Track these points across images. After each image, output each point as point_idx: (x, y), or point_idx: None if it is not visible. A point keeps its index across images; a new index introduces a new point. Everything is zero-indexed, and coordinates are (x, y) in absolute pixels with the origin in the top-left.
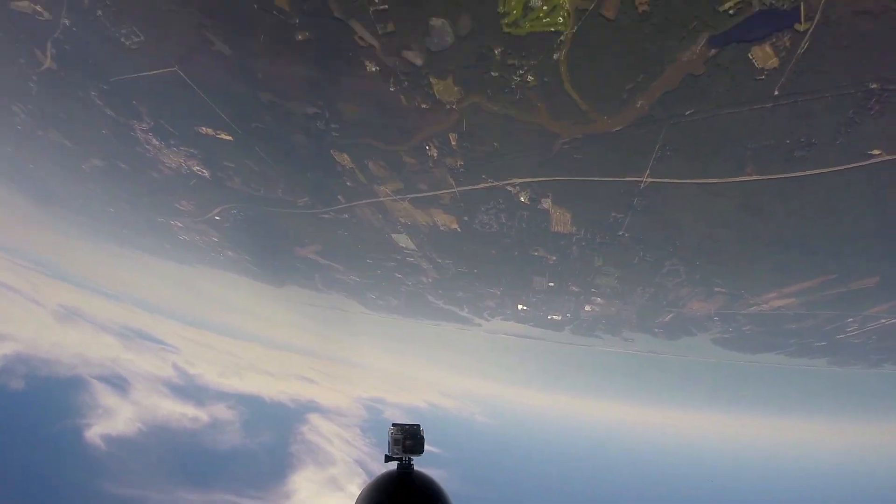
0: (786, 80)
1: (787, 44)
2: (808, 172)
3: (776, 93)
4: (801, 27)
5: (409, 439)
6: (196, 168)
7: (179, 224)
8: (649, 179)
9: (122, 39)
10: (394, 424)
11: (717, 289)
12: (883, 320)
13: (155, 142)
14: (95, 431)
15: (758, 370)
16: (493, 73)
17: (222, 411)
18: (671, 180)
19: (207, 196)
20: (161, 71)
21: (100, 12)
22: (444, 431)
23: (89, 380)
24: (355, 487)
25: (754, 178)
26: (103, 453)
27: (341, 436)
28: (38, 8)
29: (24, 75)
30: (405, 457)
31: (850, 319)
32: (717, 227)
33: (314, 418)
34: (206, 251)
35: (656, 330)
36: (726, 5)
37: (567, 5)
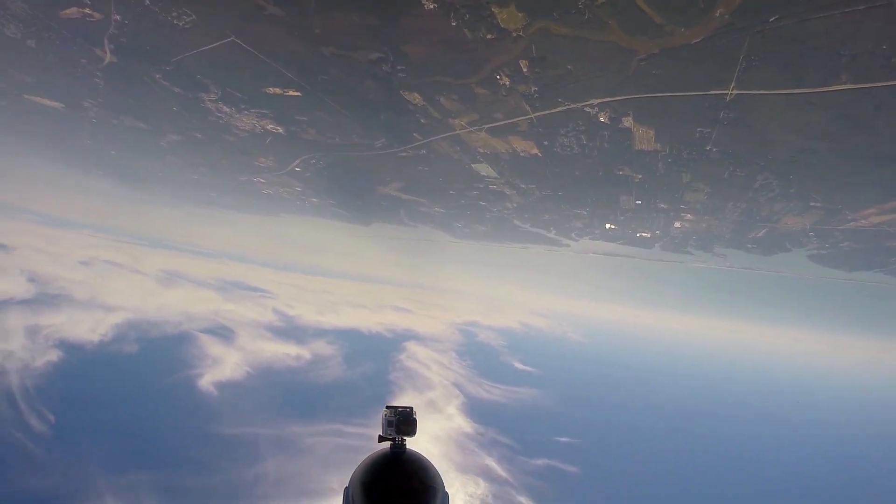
0: None
1: None
2: None
3: None
4: None
5: (402, 422)
6: (270, 126)
7: (262, 180)
8: (735, 91)
9: (175, 21)
10: (387, 407)
11: (812, 203)
12: None
13: (225, 109)
14: (207, 380)
15: (857, 288)
16: None
17: (323, 347)
18: (759, 92)
19: (285, 150)
20: (218, 43)
21: (147, 1)
22: (537, 350)
23: (196, 334)
24: (453, 409)
25: (849, 86)
26: (216, 399)
27: (438, 361)
28: (87, 11)
29: (88, 73)
30: (398, 437)
31: None
32: (812, 139)
33: (411, 346)
34: (291, 201)
35: (749, 245)
36: None
37: None
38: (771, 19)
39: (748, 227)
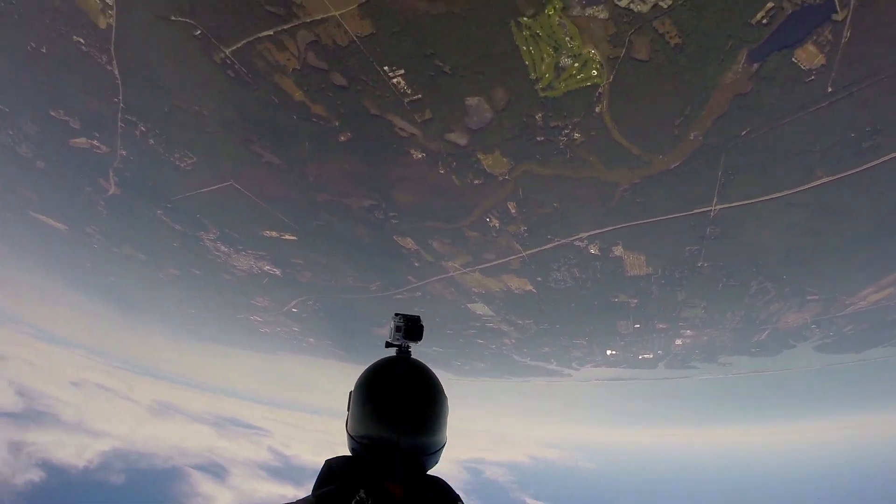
0: (836, 73)
1: (829, 37)
2: (880, 160)
3: (829, 89)
4: (838, 17)
5: (409, 327)
6: (266, 268)
7: (258, 318)
8: (718, 207)
9: (177, 162)
10: (396, 314)
11: (809, 297)
12: None
13: (223, 248)
14: None
15: (872, 367)
16: (538, 139)
17: None
18: (741, 203)
19: (282, 291)
20: (217, 186)
21: (151, 141)
22: (548, 483)
23: (187, 469)
24: None
25: (826, 179)
26: None
27: None
28: (95, 143)
29: (92, 202)
30: (404, 343)
31: None
32: (798, 236)
33: None
34: (287, 340)
35: (753, 350)
36: (758, 16)
37: (598, 57)
38: (742, 133)
39: (749, 332)
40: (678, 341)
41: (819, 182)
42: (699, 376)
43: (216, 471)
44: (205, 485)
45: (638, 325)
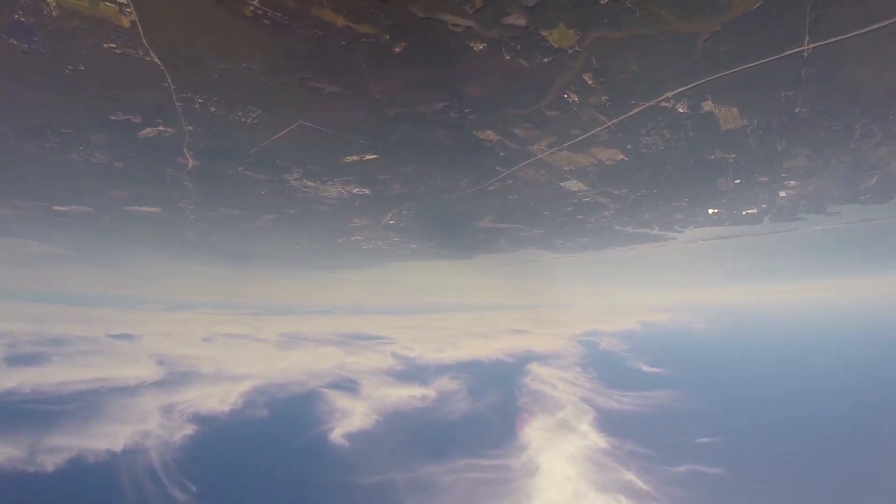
0: None
1: None
2: None
3: None
4: None
5: None
6: (356, 190)
7: (360, 238)
8: (811, 45)
9: (243, 119)
10: None
11: None
12: None
13: (310, 183)
14: (338, 433)
15: None
16: (602, 1)
17: (447, 384)
18: (837, 38)
19: (376, 208)
20: (288, 129)
21: (213, 109)
22: (662, 348)
23: (322, 390)
24: (585, 426)
25: None
26: (349, 450)
27: (563, 378)
28: (161, 128)
29: (177, 180)
30: None
31: None
32: None
33: (534, 367)
34: (392, 251)
35: (863, 197)
36: None
37: None
38: None
39: (857, 179)
40: (782, 193)
41: None
42: (807, 228)
43: (348, 385)
44: (340, 400)
45: (738, 181)
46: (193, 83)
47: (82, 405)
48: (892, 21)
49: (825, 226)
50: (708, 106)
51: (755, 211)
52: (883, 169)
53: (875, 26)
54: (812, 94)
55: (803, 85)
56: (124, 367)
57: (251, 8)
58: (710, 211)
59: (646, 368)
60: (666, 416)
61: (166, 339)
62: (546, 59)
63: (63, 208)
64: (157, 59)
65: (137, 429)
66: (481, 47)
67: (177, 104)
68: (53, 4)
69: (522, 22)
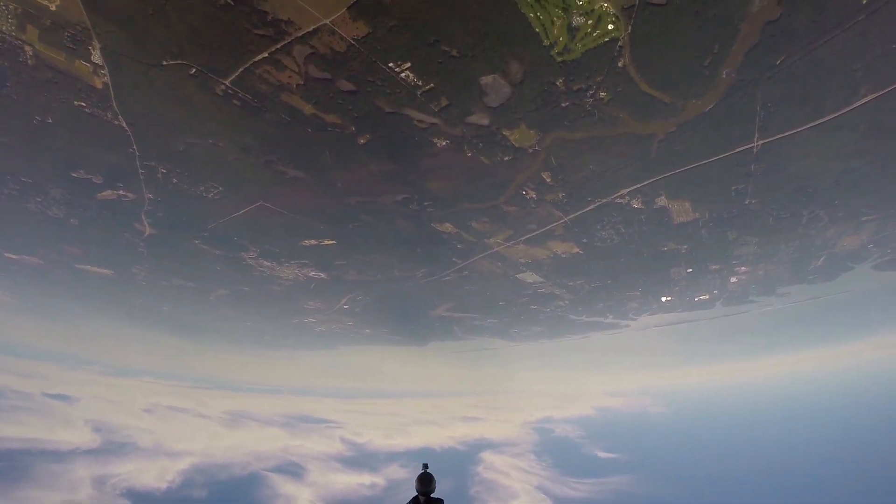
0: None
1: None
2: None
3: (864, 1)
4: None
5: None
6: (312, 273)
7: (313, 320)
8: (761, 142)
9: (204, 194)
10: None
11: (864, 218)
12: None
13: (267, 263)
14: None
15: None
16: (563, 105)
17: (396, 471)
18: (784, 134)
19: (331, 292)
20: (249, 208)
21: (175, 180)
22: (618, 433)
23: (265, 474)
24: None
25: (871, 97)
26: None
27: (517, 466)
28: (122, 192)
29: (132, 245)
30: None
31: None
32: (848, 159)
33: (487, 455)
34: (345, 335)
35: (811, 277)
36: None
37: (611, 9)
38: (777, 62)
39: (806, 261)
40: (733, 279)
41: (864, 100)
42: (758, 309)
43: (294, 470)
44: (284, 485)
45: (690, 270)
46: (158, 152)
47: (9, 465)
48: (836, 115)
49: (776, 306)
50: (662, 201)
51: (707, 297)
52: (829, 249)
53: (820, 120)
54: (761, 185)
55: (753, 178)
56: (58, 430)
57: (222, 87)
58: (664, 299)
59: (602, 454)
60: (624, 502)
61: (105, 404)
62: (506, 158)
63: (14, 256)
64: (124, 125)
65: (66, 498)
66: (444, 143)
67: (140, 171)
68: (31, 53)
69: (485, 121)
